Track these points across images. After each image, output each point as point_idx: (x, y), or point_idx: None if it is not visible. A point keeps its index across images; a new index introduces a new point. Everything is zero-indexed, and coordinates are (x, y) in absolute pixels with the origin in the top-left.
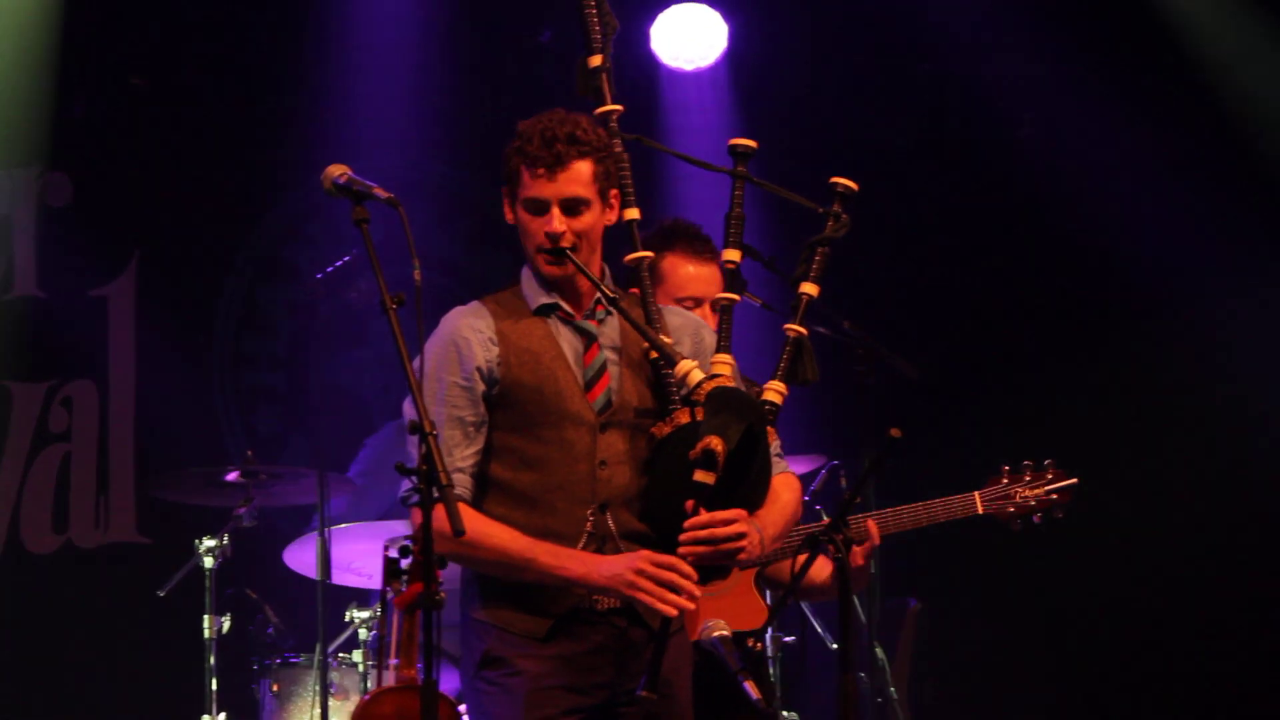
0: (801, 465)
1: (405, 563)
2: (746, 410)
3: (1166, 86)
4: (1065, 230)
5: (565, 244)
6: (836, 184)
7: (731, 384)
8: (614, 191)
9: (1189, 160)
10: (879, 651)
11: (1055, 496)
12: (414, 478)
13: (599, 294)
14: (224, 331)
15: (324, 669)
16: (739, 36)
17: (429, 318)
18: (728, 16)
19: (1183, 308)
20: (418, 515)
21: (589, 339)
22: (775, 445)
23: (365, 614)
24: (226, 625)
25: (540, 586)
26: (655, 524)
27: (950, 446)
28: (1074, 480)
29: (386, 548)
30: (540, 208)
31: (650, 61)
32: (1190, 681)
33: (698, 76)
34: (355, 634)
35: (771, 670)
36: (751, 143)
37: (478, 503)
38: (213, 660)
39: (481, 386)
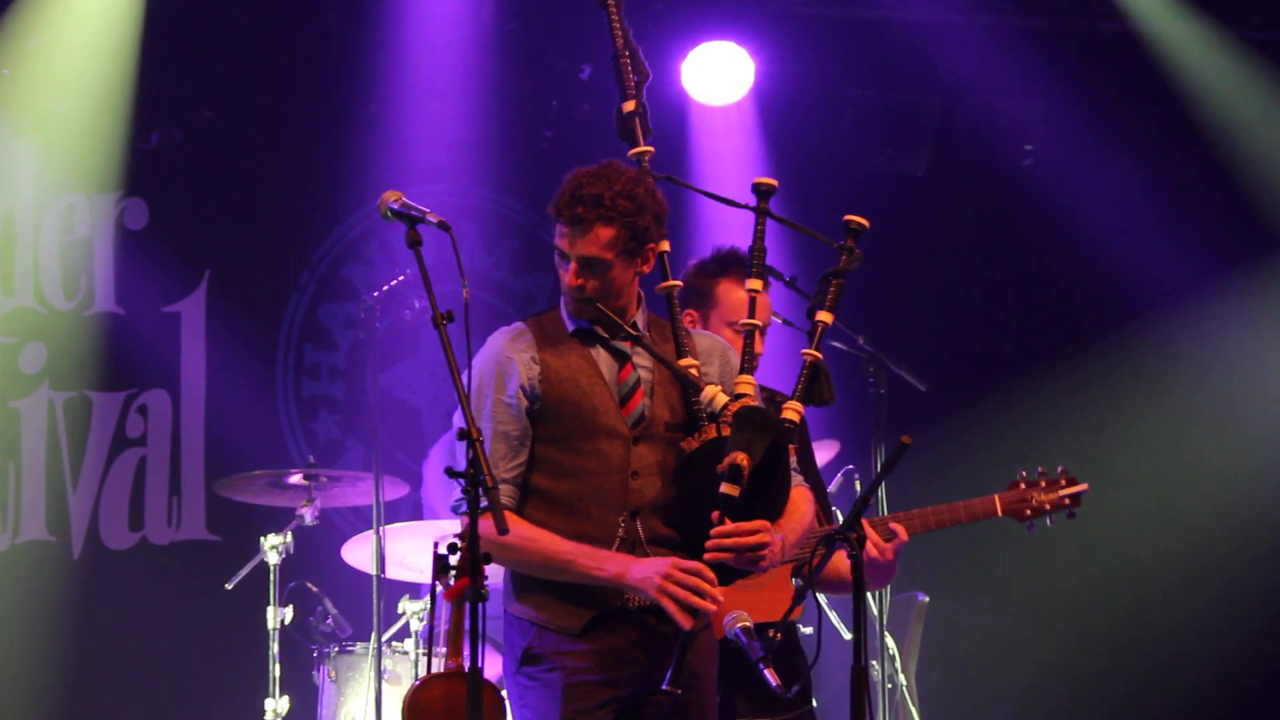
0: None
1: (453, 559)
2: (770, 428)
3: (1156, 120)
4: (1065, 252)
5: (587, 294)
6: (850, 221)
7: (755, 403)
8: (650, 245)
9: (1176, 187)
10: (890, 641)
11: (1068, 501)
12: (461, 480)
13: (632, 317)
14: (287, 344)
15: (378, 656)
16: (765, 74)
17: (476, 333)
18: (755, 54)
19: (1172, 321)
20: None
21: (623, 358)
22: (793, 460)
23: (416, 606)
24: (289, 616)
25: (577, 585)
26: (684, 531)
27: (957, 452)
28: (1084, 486)
29: (436, 545)
30: (564, 258)
31: (682, 96)
32: (1183, 671)
33: (725, 111)
34: (407, 624)
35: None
36: (773, 181)
37: (520, 509)
38: (275, 648)
39: (524, 403)
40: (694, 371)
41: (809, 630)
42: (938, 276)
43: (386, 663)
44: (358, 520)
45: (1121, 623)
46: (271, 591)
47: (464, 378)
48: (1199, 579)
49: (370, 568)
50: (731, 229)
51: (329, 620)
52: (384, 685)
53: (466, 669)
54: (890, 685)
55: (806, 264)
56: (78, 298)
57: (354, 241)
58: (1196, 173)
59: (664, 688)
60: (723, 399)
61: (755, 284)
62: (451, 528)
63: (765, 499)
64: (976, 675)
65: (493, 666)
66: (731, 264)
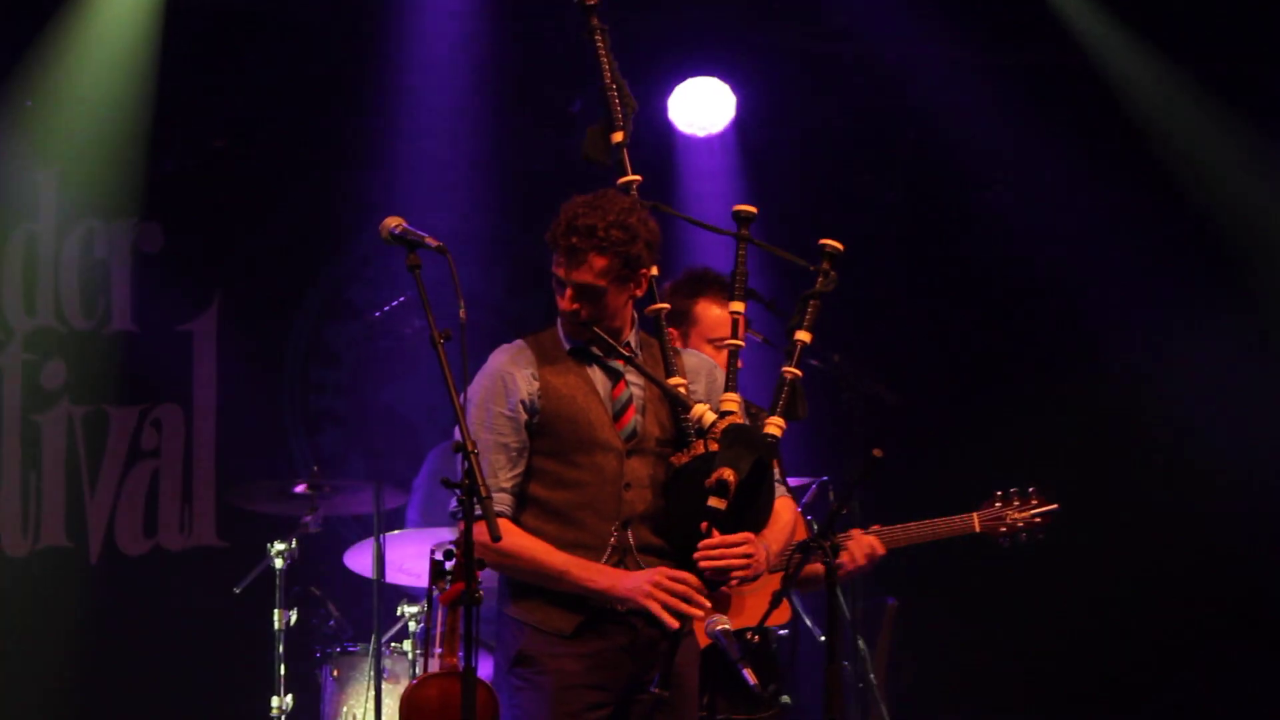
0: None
1: (449, 565)
2: (756, 444)
3: (1117, 154)
4: (1031, 277)
5: (583, 318)
6: (825, 245)
7: (741, 420)
8: (642, 271)
9: (1136, 217)
10: (861, 643)
11: (1039, 520)
12: (458, 490)
13: (626, 338)
14: (293, 362)
15: (378, 657)
16: (745, 107)
17: (472, 352)
18: (736, 89)
19: (1133, 343)
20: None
21: (616, 377)
22: (776, 472)
23: (414, 609)
24: (294, 618)
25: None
26: (673, 541)
27: (928, 466)
28: (1055, 506)
29: (433, 551)
30: (561, 285)
31: (668, 128)
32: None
33: (709, 141)
34: (405, 626)
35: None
36: (752, 208)
37: (517, 517)
38: (281, 648)
39: (524, 416)
40: (682, 390)
41: (785, 632)
42: (910, 299)
43: (386, 663)
44: (359, 528)
45: (1085, 626)
46: (277, 595)
47: (460, 395)
48: (1161, 587)
49: (371, 573)
50: (714, 253)
51: (331, 622)
52: (383, 684)
53: (461, 668)
54: (861, 685)
55: (785, 285)
56: (96, 317)
57: (357, 265)
58: (1159, 201)
59: (652, 689)
60: (711, 416)
61: (738, 306)
62: (450, 535)
63: (751, 511)
64: (943, 675)
65: (486, 666)
66: (707, 284)
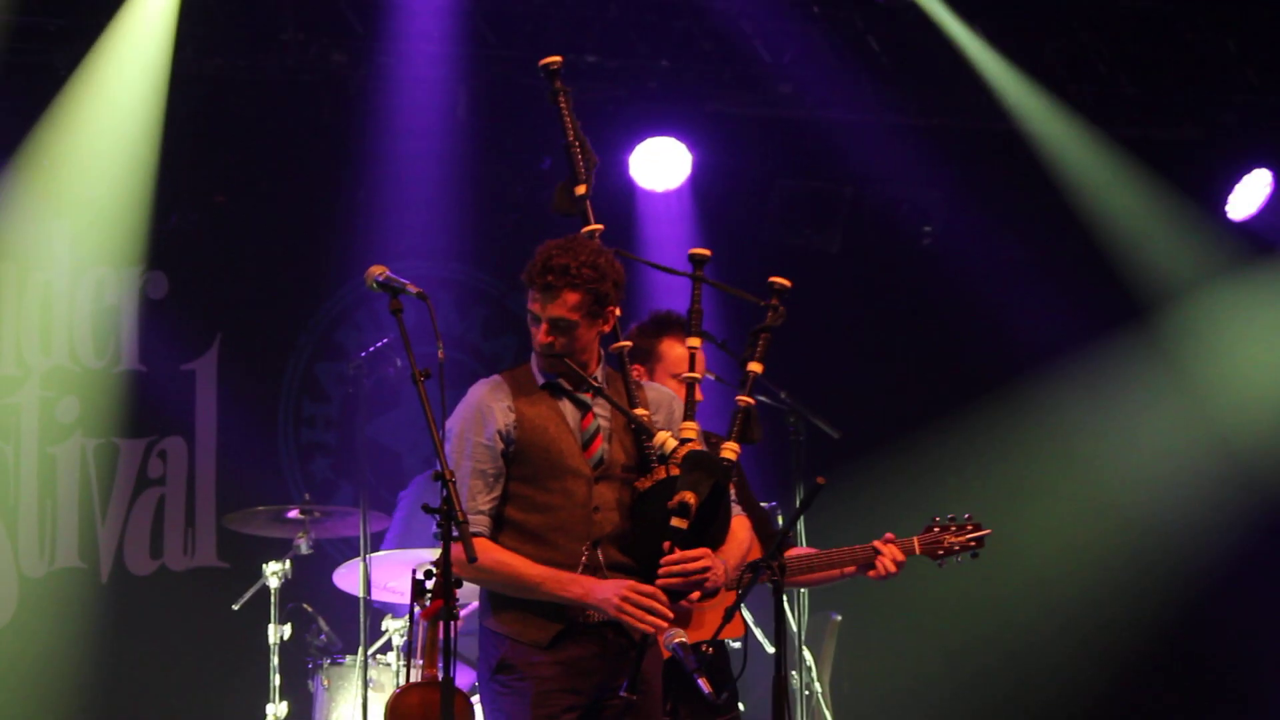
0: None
1: (429, 584)
2: (714, 469)
3: (1038, 205)
4: (962, 317)
5: (555, 351)
6: (774, 282)
7: (700, 446)
8: (610, 308)
9: (1056, 261)
10: (807, 655)
11: (973, 543)
12: (437, 516)
13: (594, 371)
14: (287, 398)
15: (365, 668)
16: (700, 164)
17: (450, 389)
18: (692, 148)
19: (1055, 376)
20: None
21: (585, 408)
22: (731, 493)
23: (398, 624)
24: (287, 633)
25: (546, 602)
26: (638, 559)
27: (869, 494)
28: (988, 530)
29: (414, 571)
30: (536, 320)
31: (629, 184)
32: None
33: (666, 196)
34: (390, 640)
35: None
36: (706, 251)
37: (495, 537)
38: (276, 660)
39: (501, 445)
40: (646, 420)
41: (737, 644)
42: (850, 340)
43: (372, 673)
44: (347, 549)
45: (1017, 638)
46: (273, 611)
47: (439, 429)
48: (1092, 600)
49: (358, 591)
50: (671, 295)
51: (322, 636)
52: (369, 692)
53: (440, 679)
54: (808, 693)
55: (735, 328)
56: (106, 357)
57: (345, 309)
58: (1073, 249)
59: (622, 693)
60: (672, 443)
61: (694, 341)
62: (431, 557)
63: (710, 530)
64: (884, 685)
65: (462, 677)
66: (670, 324)
